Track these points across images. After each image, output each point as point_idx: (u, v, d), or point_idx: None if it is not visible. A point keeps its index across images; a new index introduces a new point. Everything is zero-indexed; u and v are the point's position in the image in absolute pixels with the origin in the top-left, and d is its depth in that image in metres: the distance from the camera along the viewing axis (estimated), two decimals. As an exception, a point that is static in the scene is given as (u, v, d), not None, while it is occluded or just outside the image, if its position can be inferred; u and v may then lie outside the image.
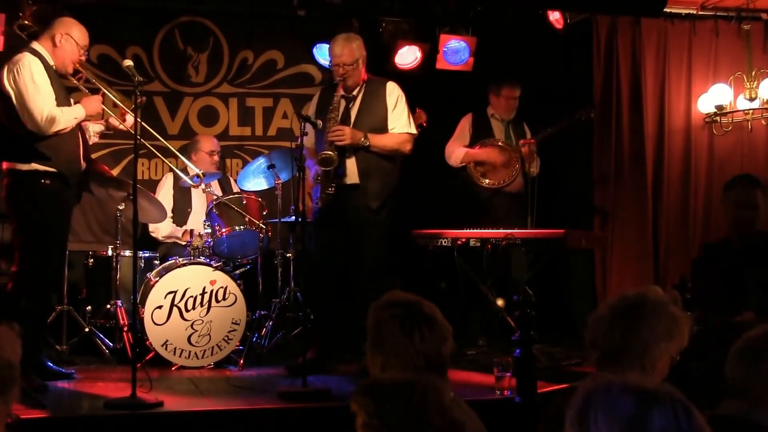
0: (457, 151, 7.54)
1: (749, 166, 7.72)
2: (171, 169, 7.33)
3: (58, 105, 5.59)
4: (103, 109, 5.98)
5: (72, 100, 5.86)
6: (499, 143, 7.49)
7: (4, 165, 5.64)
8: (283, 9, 7.61)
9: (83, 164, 5.89)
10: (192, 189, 7.29)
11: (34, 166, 5.54)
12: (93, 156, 6.69)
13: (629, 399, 1.83)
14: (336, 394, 5.30)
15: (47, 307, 6.03)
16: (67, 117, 5.59)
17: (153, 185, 7.30)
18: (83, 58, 5.88)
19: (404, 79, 6.82)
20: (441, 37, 7.66)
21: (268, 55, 8.24)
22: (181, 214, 7.37)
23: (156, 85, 7.95)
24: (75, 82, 5.98)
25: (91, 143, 6.10)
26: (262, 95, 8.24)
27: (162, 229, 7.27)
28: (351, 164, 6.22)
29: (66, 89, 5.83)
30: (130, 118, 5.92)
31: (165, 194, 7.31)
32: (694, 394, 1.97)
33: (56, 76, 5.72)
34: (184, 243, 7.05)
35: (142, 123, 5.77)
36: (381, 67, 7.24)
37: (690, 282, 5.41)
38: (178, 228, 7.30)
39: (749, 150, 7.82)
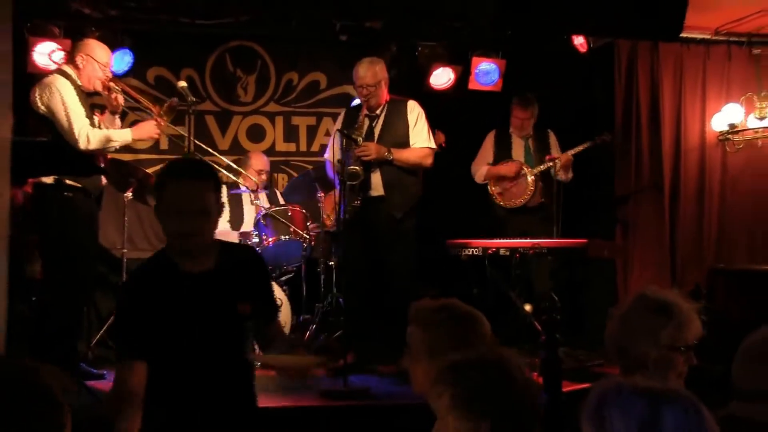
0: (481, 169, 7.81)
1: (760, 182, 8.06)
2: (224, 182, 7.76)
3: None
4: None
5: (96, 119, 6.01)
6: (521, 163, 7.70)
7: (30, 180, 5.79)
8: (327, 34, 7.83)
9: (104, 181, 6.15)
10: (243, 200, 7.64)
11: (59, 179, 5.72)
12: (149, 170, 7.02)
13: (641, 400, 1.90)
14: (374, 393, 5.57)
15: (76, 314, 6.09)
16: (102, 138, 5.83)
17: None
18: (109, 75, 6.09)
19: (438, 98, 7.10)
20: (473, 59, 7.99)
21: (311, 77, 8.57)
22: (236, 220, 7.65)
23: (208, 104, 8.31)
24: (105, 95, 6.11)
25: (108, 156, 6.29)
26: (306, 114, 8.57)
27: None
28: (376, 177, 6.49)
29: (90, 109, 5.99)
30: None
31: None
32: (710, 395, 2.13)
33: (84, 96, 5.95)
34: None
35: (185, 135, 6.17)
36: (417, 88, 7.58)
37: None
38: (232, 232, 7.52)
39: (759, 166, 8.09)
